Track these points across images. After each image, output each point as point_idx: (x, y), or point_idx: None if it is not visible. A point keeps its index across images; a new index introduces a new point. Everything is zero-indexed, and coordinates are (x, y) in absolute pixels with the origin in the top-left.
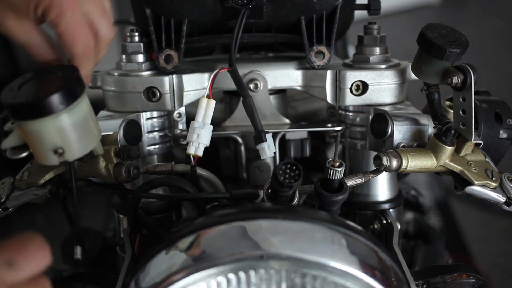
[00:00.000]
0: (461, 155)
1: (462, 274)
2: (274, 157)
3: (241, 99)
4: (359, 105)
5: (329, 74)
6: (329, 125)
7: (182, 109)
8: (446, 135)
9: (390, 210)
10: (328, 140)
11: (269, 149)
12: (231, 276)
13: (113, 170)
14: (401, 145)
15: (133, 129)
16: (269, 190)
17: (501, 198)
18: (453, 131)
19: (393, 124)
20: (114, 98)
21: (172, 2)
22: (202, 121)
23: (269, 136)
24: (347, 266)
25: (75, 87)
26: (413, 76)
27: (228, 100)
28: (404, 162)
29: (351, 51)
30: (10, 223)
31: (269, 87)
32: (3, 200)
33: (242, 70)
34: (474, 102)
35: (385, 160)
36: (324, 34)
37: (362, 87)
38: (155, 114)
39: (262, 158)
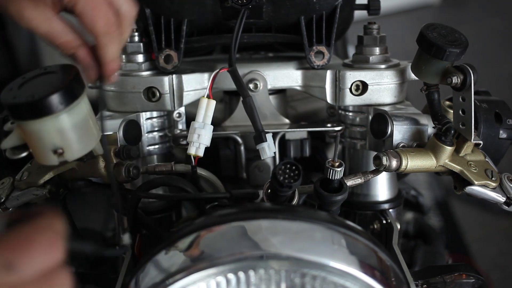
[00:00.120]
0: (461, 155)
1: (462, 274)
2: (274, 157)
3: (241, 99)
4: (359, 105)
5: (329, 74)
6: (329, 125)
7: (182, 109)
8: (446, 135)
9: (390, 210)
10: (328, 140)
11: (269, 149)
12: (231, 276)
13: (112, 170)
14: (401, 145)
15: (133, 129)
16: (269, 190)
17: (501, 198)
18: (453, 131)
19: (393, 124)
20: (114, 98)
21: (172, 2)
22: (203, 122)
23: (269, 136)
24: (346, 266)
25: (75, 87)
26: (413, 76)
27: (228, 100)
28: (404, 162)
29: (351, 51)
30: None
31: (269, 87)
32: (2, 200)
33: (242, 70)
34: (474, 102)
35: (384, 160)
36: (324, 34)
37: (362, 87)
38: (155, 114)
39: (262, 158)
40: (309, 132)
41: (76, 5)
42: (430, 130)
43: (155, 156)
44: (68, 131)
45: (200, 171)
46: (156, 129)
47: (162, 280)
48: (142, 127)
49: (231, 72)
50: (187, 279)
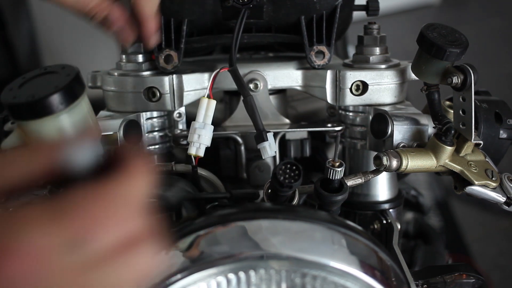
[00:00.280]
0: (461, 155)
1: (462, 274)
2: (274, 157)
3: (242, 98)
4: (359, 105)
5: (329, 74)
6: (329, 125)
7: (182, 109)
8: (446, 135)
9: (390, 210)
10: (328, 140)
11: (270, 148)
12: (231, 276)
13: None
14: (401, 145)
15: (133, 129)
16: (269, 190)
17: (501, 198)
18: (453, 131)
19: (393, 124)
20: (114, 98)
21: (172, 2)
22: (203, 122)
23: (270, 135)
24: (347, 266)
25: (75, 87)
26: (413, 76)
27: (228, 100)
28: (404, 162)
29: (351, 51)
30: None
31: (269, 87)
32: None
33: (242, 70)
34: (474, 102)
35: (385, 160)
36: (324, 34)
37: (362, 87)
38: (155, 114)
39: (263, 158)
40: (309, 132)
41: None
42: (430, 130)
43: (155, 156)
44: (69, 131)
45: (201, 171)
46: (157, 129)
47: (162, 280)
48: (142, 127)
49: (232, 72)
50: (187, 279)
